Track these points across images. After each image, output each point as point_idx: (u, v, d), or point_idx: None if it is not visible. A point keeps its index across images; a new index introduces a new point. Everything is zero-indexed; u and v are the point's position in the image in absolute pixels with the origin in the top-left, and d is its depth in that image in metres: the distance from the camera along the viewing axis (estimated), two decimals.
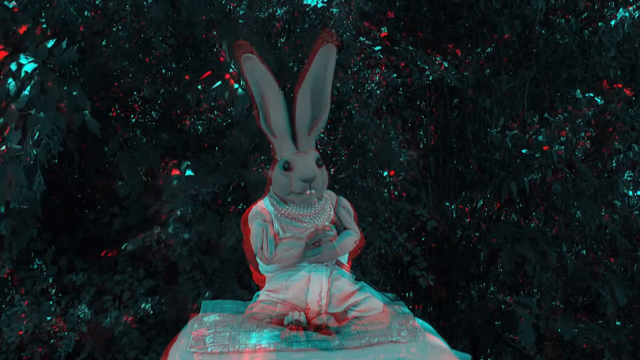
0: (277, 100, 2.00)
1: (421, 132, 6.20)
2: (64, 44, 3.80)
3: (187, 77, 4.44)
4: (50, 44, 3.75)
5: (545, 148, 4.91)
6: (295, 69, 4.44)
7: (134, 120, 5.00)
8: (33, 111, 3.58)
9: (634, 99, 5.54)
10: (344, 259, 2.15)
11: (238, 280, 4.36)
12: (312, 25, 4.56)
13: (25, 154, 3.56)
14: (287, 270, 2.06)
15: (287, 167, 1.98)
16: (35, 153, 3.58)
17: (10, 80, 3.63)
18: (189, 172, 3.98)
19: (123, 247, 4.10)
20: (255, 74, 1.99)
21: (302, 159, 1.99)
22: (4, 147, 3.57)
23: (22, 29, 3.98)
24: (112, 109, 4.83)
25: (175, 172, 4.02)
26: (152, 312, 4.15)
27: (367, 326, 1.95)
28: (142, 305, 4.12)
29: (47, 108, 3.65)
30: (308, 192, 1.98)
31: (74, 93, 3.79)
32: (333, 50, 2.00)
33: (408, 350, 1.87)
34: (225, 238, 4.06)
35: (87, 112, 3.84)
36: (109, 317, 4.10)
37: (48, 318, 4.18)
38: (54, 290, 4.36)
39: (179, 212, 3.98)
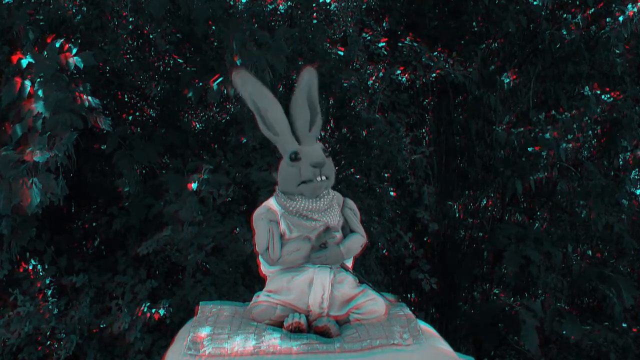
0: (273, 105, 2.05)
1: (423, 130, 6.14)
2: (74, 49, 3.77)
3: (196, 80, 4.40)
4: (58, 44, 3.72)
5: (537, 148, 4.89)
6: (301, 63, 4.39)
7: (130, 118, 4.93)
8: (45, 113, 3.53)
9: None
10: (349, 261, 2.12)
11: (243, 281, 4.30)
12: (318, 20, 4.52)
13: (52, 159, 3.54)
14: (289, 271, 2.03)
15: (294, 157, 1.99)
16: (59, 155, 3.55)
17: (27, 82, 3.60)
18: (207, 175, 3.98)
19: (139, 251, 4.05)
20: (247, 87, 2.05)
21: (309, 148, 2.01)
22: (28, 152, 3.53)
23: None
24: (113, 107, 4.76)
25: (200, 176, 4.03)
26: (152, 313, 4.09)
27: (368, 329, 1.92)
28: (152, 309, 4.07)
29: (63, 110, 3.63)
30: (319, 178, 1.96)
31: (85, 93, 3.77)
32: (313, 72, 2.13)
33: (410, 353, 1.83)
34: (239, 244, 4.02)
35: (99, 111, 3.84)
36: (114, 319, 4.05)
37: (48, 319, 4.12)
38: (50, 292, 4.30)
39: (183, 213, 3.94)
